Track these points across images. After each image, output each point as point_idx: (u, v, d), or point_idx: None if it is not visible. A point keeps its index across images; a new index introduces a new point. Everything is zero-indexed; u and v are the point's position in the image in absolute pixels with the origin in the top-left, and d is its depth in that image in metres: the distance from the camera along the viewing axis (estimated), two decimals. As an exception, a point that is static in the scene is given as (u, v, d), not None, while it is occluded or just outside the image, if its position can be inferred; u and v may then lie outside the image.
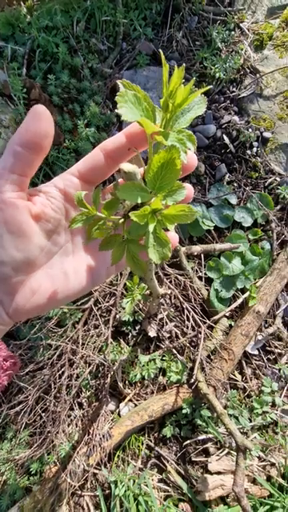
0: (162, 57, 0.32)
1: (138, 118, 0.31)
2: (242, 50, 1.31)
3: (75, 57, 1.21)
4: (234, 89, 1.32)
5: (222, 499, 0.88)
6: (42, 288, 0.33)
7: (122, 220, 0.40)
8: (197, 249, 1.12)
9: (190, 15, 1.37)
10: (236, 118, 1.29)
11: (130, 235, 0.40)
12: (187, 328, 1.05)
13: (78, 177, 0.35)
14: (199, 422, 0.94)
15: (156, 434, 0.97)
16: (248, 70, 1.32)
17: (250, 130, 1.26)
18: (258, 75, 1.30)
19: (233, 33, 1.34)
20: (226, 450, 0.93)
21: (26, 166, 0.30)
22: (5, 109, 1.11)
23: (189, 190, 0.38)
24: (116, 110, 0.31)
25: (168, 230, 0.38)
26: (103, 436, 0.89)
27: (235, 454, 0.83)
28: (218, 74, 1.28)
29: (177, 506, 0.89)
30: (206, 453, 0.95)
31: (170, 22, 1.35)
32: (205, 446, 0.94)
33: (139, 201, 0.35)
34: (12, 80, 1.09)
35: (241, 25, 1.36)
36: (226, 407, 0.97)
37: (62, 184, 0.35)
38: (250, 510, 0.71)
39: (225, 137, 1.27)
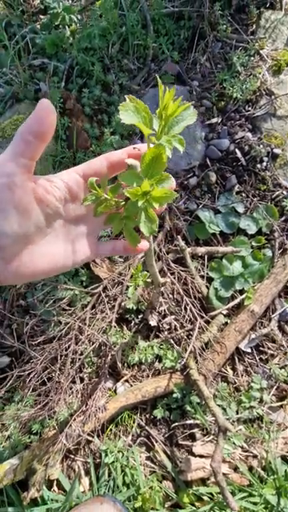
0: (159, 81, 0.44)
1: (134, 122, 0.42)
2: (259, 73, 1.43)
3: (108, 74, 1.38)
4: (250, 108, 1.43)
5: (203, 481, 0.94)
6: (33, 262, 0.38)
7: (123, 203, 0.52)
8: (201, 250, 1.21)
9: (214, 41, 1.51)
10: (249, 134, 1.39)
11: (127, 212, 0.51)
12: (185, 321, 1.13)
13: (82, 176, 0.42)
14: (188, 407, 1.01)
15: (148, 415, 1.05)
16: (264, 92, 1.43)
17: (262, 146, 1.36)
18: (272, 97, 1.40)
19: (252, 58, 1.46)
20: (211, 437, 0.99)
21: (34, 152, 0.34)
22: (43, 115, 1.29)
23: (173, 181, 0.49)
24: (118, 116, 0.43)
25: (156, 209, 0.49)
26: (99, 408, 0.99)
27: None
28: (235, 94, 1.40)
29: (160, 482, 0.95)
30: (193, 438, 1.01)
31: (196, 47, 1.50)
32: (192, 431, 1.00)
33: (134, 184, 0.46)
34: (52, 92, 1.27)
35: (261, 51, 1.49)
36: (214, 397, 1.04)
37: (67, 178, 0.40)
38: (224, 485, 0.77)
39: (237, 151, 1.38)
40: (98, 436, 1.00)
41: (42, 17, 1.56)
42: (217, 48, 1.51)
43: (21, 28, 1.45)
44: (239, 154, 1.38)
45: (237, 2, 1.57)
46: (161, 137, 0.46)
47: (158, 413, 1.02)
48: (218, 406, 1.02)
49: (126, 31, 1.38)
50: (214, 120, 1.44)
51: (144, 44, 1.41)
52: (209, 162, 1.39)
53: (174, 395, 1.00)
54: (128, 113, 0.44)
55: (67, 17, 1.44)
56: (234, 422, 1.02)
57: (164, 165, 0.45)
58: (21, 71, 1.33)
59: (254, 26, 1.54)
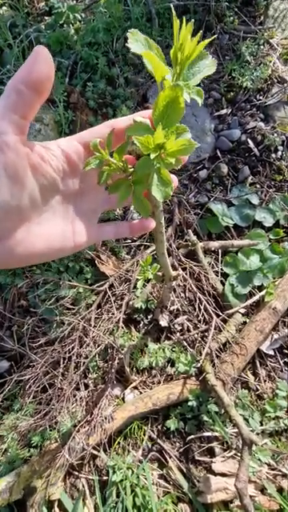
0: (173, 12, 0.36)
1: (146, 51, 0.35)
2: (270, 62, 1.37)
3: (112, 68, 1.34)
4: (261, 97, 1.37)
5: (225, 505, 0.81)
6: (27, 241, 0.33)
7: (132, 169, 0.44)
8: (214, 244, 1.12)
9: (222, 33, 1.47)
10: (261, 123, 1.32)
11: (137, 175, 0.44)
12: (199, 322, 1.03)
13: (83, 145, 0.36)
14: (205, 418, 0.90)
15: (159, 427, 0.93)
16: (275, 80, 1.36)
17: (276, 134, 1.28)
18: (285, 84, 1.34)
19: (262, 47, 1.41)
20: (233, 452, 0.86)
21: (28, 108, 0.29)
22: (46, 110, 1.25)
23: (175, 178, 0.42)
24: (126, 44, 0.36)
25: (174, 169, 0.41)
26: (105, 418, 0.88)
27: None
28: (245, 84, 1.34)
29: (176, 504, 0.83)
30: (211, 453, 0.89)
31: (202, 39, 1.46)
32: (210, 445, 0.89)
33: (144, 136, 0.38)
34: (56, 86, 1.24)
35: (270, 41, 1.43)
36: (235, 406, 0.92)
37: (65, 146, 0.35)
38: (251, 509, 0.65)
39: (249, 141, 1.30)
40: (105, 450, 0.89)
41: (46, 18, 1.56)
42: (224, 40, 1.46)
43: (25, 28, 1.45)
44: (252, 144, 1.30)
45: (243, -6, 1.53)
46: (176, 77, 0.39)
47: (172, 424, 0.90)
48: (239, 415, 0.90)
49: (131, 25, 1.36)
50: (224, 111, 1.38)
51: (149, 37, 1.38)
52: (219, 154, 1.31)
53: (189, 403, 0.89)
54: (138, 43, 0.37)
55: (71, 15, 1.43)
56: (258, 434, 0.89)
57: (182, 111, 0.37)
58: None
59: (262, 17, 1.49)
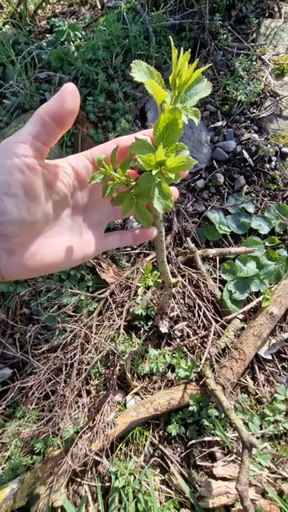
0: (171, 43, 0.40)
1: (147, 81, 0.39)
2: (262, 77, 1.43)
3: (112, 83, 1.40)
4: (255, 110, 1.42)
5: (227, 509, 0.82)
6: (40, 253, 0.35)
7: (134, 182, 0.47)
8: (212, 251, 1.16)
9: (216, 50, 1.54)
10: (256, 135, 1.37)
11: (139, 188, 0.47)
12: (199, 328, 1.05)
13: (91, 161, 0.39)
14: (206, 422, 0.91)
15: (161, 432, 0.95)
16: (268, 94, 1.42)
17: (269, 145, 1.33)
18: (277, 98, 1.39)
19: (254, 63, 1.47)
20: (234, 456, 0.88)
21: (50, 137, 0.31)
22: (48, 123, 1.30)
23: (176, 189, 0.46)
24: (130, 73, 0.40)
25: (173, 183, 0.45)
26: (107, 424, 0.90)
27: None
28: (239, 97, 1.39)
29: (178, 510, 0.84)
30: (212, 457, 0.90)
31: (198, 56, 1.52)
32: (211, 450, 0.90)
33: (146, 154, 0.42)
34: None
35: (262, 57, 1.50)
36: (235, 409, 0.94)
37: (75, 163, 0.38)
38: (253, 511, 0.67)
39: (244, 152, 1.35)
40: (107, 456, 0.90)
41: (48, 35, 1.62)
42: (219, 56, 1.53)
43: (27, 45, 1.50)
44: (246, 155, 1.35)
45: (236, 13, 1.61)
46: (175, 101, 0.42)
47: (173, 429, 0.92)
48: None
49: (129, 43, 1.42)
50: (219, 123, 1.43)
51: (147, 54, 1.44)
52: (216, 164, 1.36)
53: (190, 408, 0.91)
54: (140, 72, 0.40)
55: (72, 33, 1.49)
56: (258, 438, 0.91)
57: (180, 132, 0.41)
58: (27, 84, 1.36)
59: (255, 35, 1.57)
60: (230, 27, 1.57)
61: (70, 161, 0.38)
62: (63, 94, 0.30)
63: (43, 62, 1.48)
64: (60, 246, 0.38)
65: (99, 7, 1.74)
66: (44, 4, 1.73)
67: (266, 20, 1.56)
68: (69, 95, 0.31)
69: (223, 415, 0.85)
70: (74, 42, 1.49)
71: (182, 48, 0.41)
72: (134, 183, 0.47)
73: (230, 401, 0.93)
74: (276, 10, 1.59)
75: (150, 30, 1.45)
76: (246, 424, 0.92)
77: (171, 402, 0.92)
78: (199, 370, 0.94)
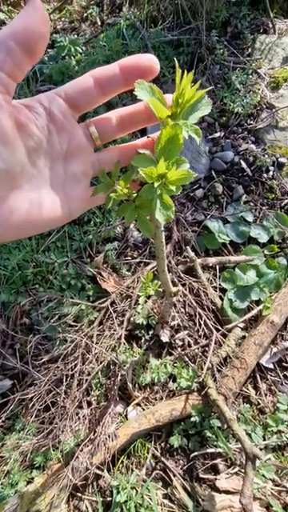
0: (176, 64, 0.42)
1: (150, 99, 0.40)
2: (258, 89, 1.47)
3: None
4: (252, 122, 1.45)
5: (231, 524, 0.81)
6: (21, 209, 0.31)
7: (136, 194, 0.48)
8: (212, 260, 1.16)
9: (213, 64, 1.58)
10: (253, 146, 1.40)
11: (141, 199, 0.48)
12: (200, 337, 1.05)
13: (64, 99, 0.33)
14: (208, 433, 0.90)
15: (163, 444, 0.93)
16: (264, 106, 1.46)
17: (266, 156, 1.36)
18: (273, 110, 1.43)
19: (250, 76, 1.51)
20: (237, 468, 0.86)
21: (16, 67, 0.26)
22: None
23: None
24: (134, 93, 0.41)
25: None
26: (109, 436, 0.88)
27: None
28: (236, 109, 1.43)
29: (181, 525, 0.82)
30: (215, 470, 0.89)
31: (195, 70, 1.57)
32: (214, 462, 0.88)
33: (148, 167, 0.43)
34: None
35: (258, 70, 1.54)
36: (237, 421, 0.93)
37: (47, 102, 0.32)
38: (258, 526, 0.65)
39: (242, 162, 1.38)
40: (109, 469, 0.89)
41: (49, 50, 1.66)
42: (215, 69, 1.57)
43: (29, 60, 1.54)
44: (244, 165, 1.37)
45: (232, 29, 1.66)
46: (176, 117, 0.44)
47: (175, 440, 0.91)
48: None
49: (129, 57, 1.46)
50: (217, 134, 1.46)
51: (146, 68, 1.48)
52: (214, 174, 1.38)
53: (192, 419, 0.90)
54: (143, 91, 0.42)
55: (73, 48, 1.53)
56: (261, 449, 0.90)
57: (180, 146, 0.42)
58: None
59: (250, 49, 1.62)
60: (226, 42, 1.62)
61: (41, 100, 0.32)
62: (29, 13, 0.24)
63: (45, 76, 1.52)
64: (42, 201, 0.33)
65: (99, 24, 1.80)
66: (45, 20, 1.79)
67: (261, 36, 1.62)
68: (36, 13, 0.24)
69: (226, 426, 0.84)
70: (74, 57, 1.53)
71: (185, 71, 0.43)
72: (136, 195, 0.48)
73: (232, 411, 0.92)
74: (270, 26, 1.65)
75: (148, 45, 1.49)
76: (248, 435, 0.91)
77: (173, 413, 0.91)
78: (201, 379, 0.94)
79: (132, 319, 1.08)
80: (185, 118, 0.46)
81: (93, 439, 0.88)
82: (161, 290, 0.89)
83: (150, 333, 1.09)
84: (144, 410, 0.96)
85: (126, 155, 0.46)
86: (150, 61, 0.35)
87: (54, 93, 0.33)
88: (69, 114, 0.34)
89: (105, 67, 0.33)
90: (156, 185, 0.42)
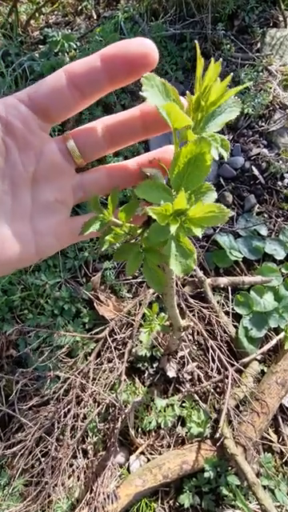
0: (198, 50, 0.28)
1: (163, 105, 0.27)
2: (270, 88, 1.34)
3: (109, 95, 1.30)
4: (263, 123, 1.32)
5: None
6: None
7: (140, 230, 0.35)
8: (223, 281, 1.03)
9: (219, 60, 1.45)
10: (265, 150, 1.27)
11: (149, 242, 0.35)
12: (212, 370, 0.92)
13: (28, 104, 0.25)
14: (225, 491, 0.77)
15: (171, 502, 0.80)
16: (277, 106, 1.33)
17: (281, 161, 1.23)
18: (287, 110, 1.30)
19: (261, 74, 1.38)
20: (260, 536, 0.73)
21: None
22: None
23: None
24: (140, 93, 0.28)
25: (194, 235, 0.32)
26: (108, 496, 0.75)
27: None
28: (246, 110, 1.30)
29: None
30: (234, 536, 0.76)
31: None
32: (232, 526, 0.75)
33: (161, 202, 0.30)
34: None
35: (269, 67, 1.41)
36: (258, 475, 0.79)
37: (3, 111, 0.24)
38: None
39: (254, 168, 1.25)
40: (108, 536, 0.75)
41: (41, 46, 1.53)
42: (222, 66, 1.44)
43: (18, 57, 1.41)
44: (256, 172, 1.24)
45: (239, 23, 1.53)
46: (199, 132, 0.31)
47: (185, 499, 0.77)
48: (264, 487, 0.77)
49: (127, 53, 1.32)
50: (225, 137, 1.34)
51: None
52: (223, 182, 1.25)
53: (206, 474, 0.77)
54: (154, 90, 0.28)
55: (66, 44, 1.40)
56: (287, 509, 0.77)
57: (208, 170, 0.29)
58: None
59: (259, 44, 1.48)
60: (233, 37, 1.48)
61: None
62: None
63: (35, 74, 1.38)
64: (2, 240, 0.26)
65: (95, 17, 1.66)
66: (37, 14, 1.65)
67: (271, 29, 1.48)
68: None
69: (247, 487, 0.71)
70: (68, 53, 1.40)
71: (212, 59, 0.30)
72: (142, 230, 0.35)
73: (252, 464, 0.79)
74: (281, 19, 1.52)
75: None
76: (271, 491, 0.78)
77: (183, 467, 0.78)
78: (214, 423, 0.81)
79: (134, 350, 0.95)
80: (205, 125, 0.32)
81: (89, 502, 0.75)
82: (167, 323, 0.76)
83: (155, 366, 0.96)
84: (149, 459, 0.83)
85: (118, 177, 0.33)
86: (143, 46, 0.24)
87: (14, 97, 0.25)
88: (35, 124, 0.26)
89: (82, 60, 0.24)
90: (173, 229, 0.28)
